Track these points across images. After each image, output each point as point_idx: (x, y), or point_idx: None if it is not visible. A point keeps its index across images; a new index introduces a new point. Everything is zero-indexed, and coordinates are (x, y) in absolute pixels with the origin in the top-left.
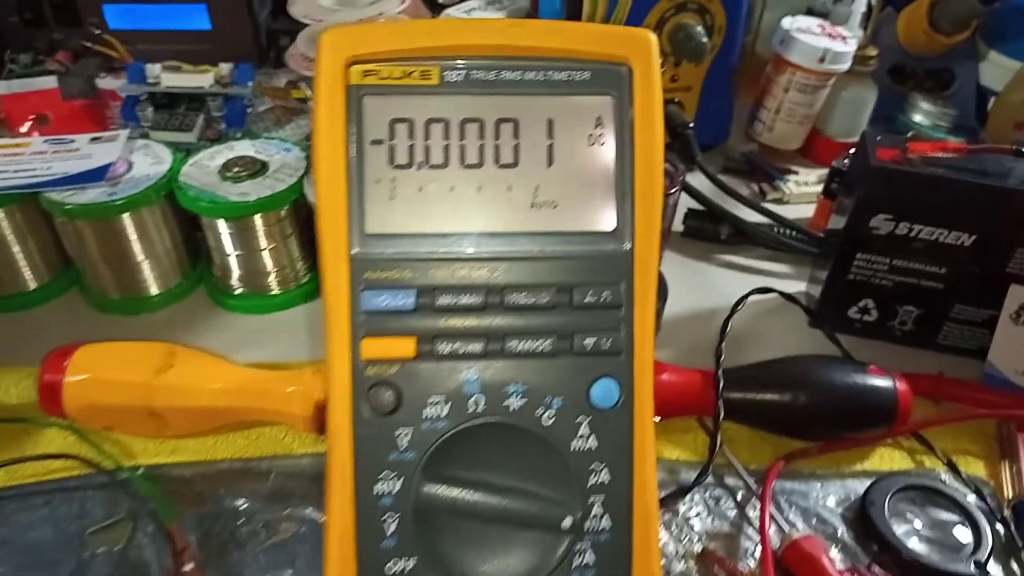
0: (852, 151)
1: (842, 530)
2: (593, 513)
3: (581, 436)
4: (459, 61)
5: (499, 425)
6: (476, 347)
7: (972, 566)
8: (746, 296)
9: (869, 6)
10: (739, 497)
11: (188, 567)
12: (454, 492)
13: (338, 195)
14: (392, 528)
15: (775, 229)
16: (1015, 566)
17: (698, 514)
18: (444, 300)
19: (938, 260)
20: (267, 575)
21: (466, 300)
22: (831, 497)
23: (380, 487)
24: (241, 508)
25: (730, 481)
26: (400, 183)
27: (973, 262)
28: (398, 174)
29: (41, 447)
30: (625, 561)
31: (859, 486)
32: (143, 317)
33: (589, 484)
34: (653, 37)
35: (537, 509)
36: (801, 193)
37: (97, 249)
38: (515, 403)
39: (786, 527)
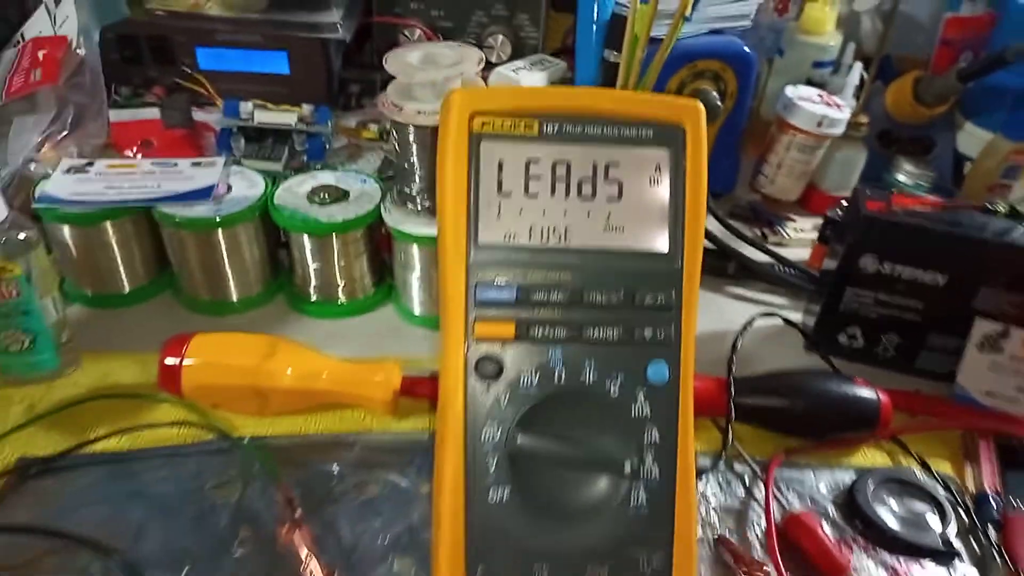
0: (844, 203)
1: (832, 511)
2: (647, 464)
3: (639, 404)
4: (554, 117)
5: (577, 392)
6: (561, 333)
7: (940, 541)
8: (753, 318)
9: (862, 79)
10: (747, 481)
11: (297, 513)
12: (540, 442)
13: (460, 214)
14: (493, 465)
15: (775, 267)
16: (973, 542)
17: (714, 493)
18: (538, 296)
19: (916, 296)
20: (359, 524)
21: (554, 297)
22: (823, 484)
23: (484, 434)
24: (334, 471)
25: (739, 468)
26: (505, 206)
27: (945, 298)
28: (503, 200)
29: (155, 420)
30: (670, 502)
31: (847, 477)
32: (228, 319)
33: (645, 442)
34: (702, 107)
35: (604, 456)
36: (798, 238)
37: (196, 257)
38: (589, 377)
39: (786, 504)
